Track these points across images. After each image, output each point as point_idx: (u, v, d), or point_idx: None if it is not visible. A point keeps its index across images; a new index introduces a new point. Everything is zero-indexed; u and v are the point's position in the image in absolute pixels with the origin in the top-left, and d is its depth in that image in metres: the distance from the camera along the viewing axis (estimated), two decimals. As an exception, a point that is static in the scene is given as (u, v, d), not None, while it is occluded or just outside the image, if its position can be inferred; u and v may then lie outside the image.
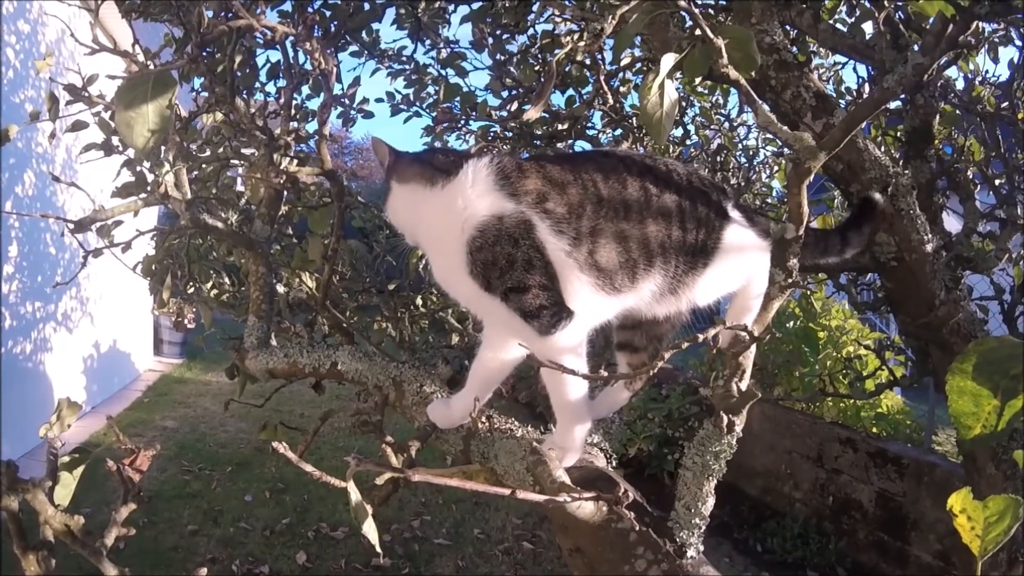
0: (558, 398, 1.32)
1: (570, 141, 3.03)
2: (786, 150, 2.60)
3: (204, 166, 2.81)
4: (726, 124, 3.83)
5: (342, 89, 2.76)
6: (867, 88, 2.81)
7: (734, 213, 1.41)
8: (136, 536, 0.93)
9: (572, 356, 1.27)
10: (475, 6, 2.80)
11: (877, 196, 1.67)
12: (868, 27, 2.33)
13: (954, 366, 0.76)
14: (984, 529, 0.73)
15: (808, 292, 5.30)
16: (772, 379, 6.02)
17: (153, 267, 3.05)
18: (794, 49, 2.33)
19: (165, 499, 5.22)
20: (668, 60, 1.13)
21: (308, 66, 2.05)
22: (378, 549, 0.76)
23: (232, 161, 2.76)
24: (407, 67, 3.21)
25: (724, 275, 1.38)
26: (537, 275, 1.24)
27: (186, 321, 8.36)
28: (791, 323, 6.10)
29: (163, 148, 1.88)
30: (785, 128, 1.16)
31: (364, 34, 2.84)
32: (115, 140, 2.63)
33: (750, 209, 1.65)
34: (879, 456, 4.94)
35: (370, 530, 0.74)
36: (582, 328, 1.28)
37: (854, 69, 2.96)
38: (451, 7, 2.97)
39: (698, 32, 1.10)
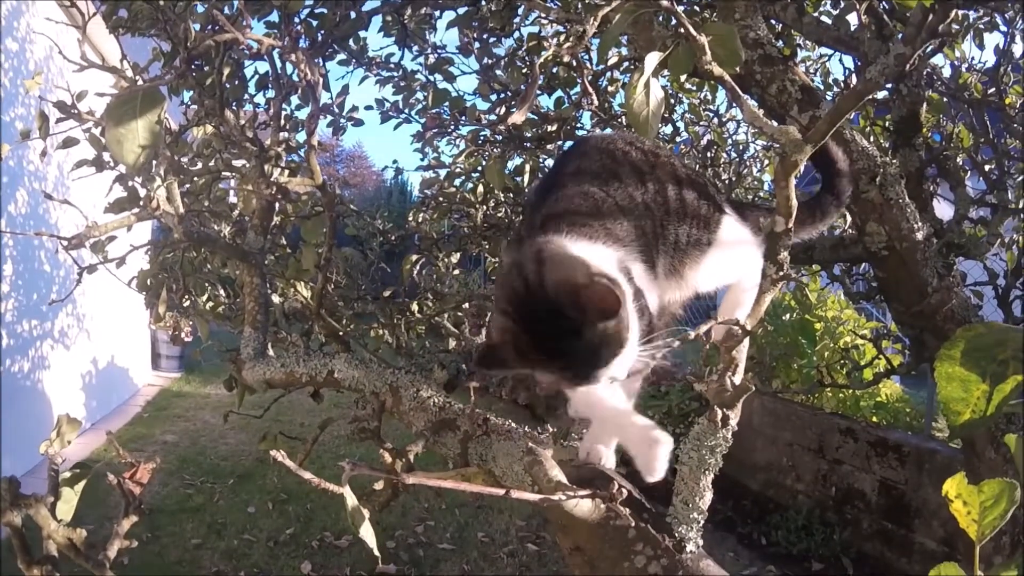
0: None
1: (560, 142, 3.04)
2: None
3: (196, 179, 2.81)
4: (715, 119, 3.84)
5: (331, 98, 2.77)
6: (854, 79, 2.82)
7: (728, 208, 1.44)
8: (140, 551, 0.94)
9: None
10: (461, 11, 2.81)
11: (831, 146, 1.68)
12: (853, 18, 2.34)
13: (942, 353, 0.76)
14: (980, 514, 0.74)
15: (803, 284, 5.32)
16: (770, 372, 6.03)
17: (148, 281, 3.05)
18: (779, 43, 2.34)
19: (168, 513, 5.21)
20: (652, 59, 1.13)
21: (296, 76, 2.06)
22: (376, 552, 0.77)
23: (224, 173, 2.76)
24: (395, 74, 3.22)
25: (721, 264, 1.40)
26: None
27: (183, 334, 8.34)
28: (787, 315, 6.11)
29: (154, 163, 1.88)
30: (771, 122, 1.17)
31: (351, 42, 2.84)
32: (106, 156, 2.63)
33: (742, 204, 1.68)
34: (880, 445, 4.96)
35: (367, 534, 0.75)
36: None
37: (840, 61, 2.99)
38: (437, 13, 2.97)
39: (682, 30, 1.11)
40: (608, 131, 3.01)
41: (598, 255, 1.18)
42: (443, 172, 3.52)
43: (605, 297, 1.05)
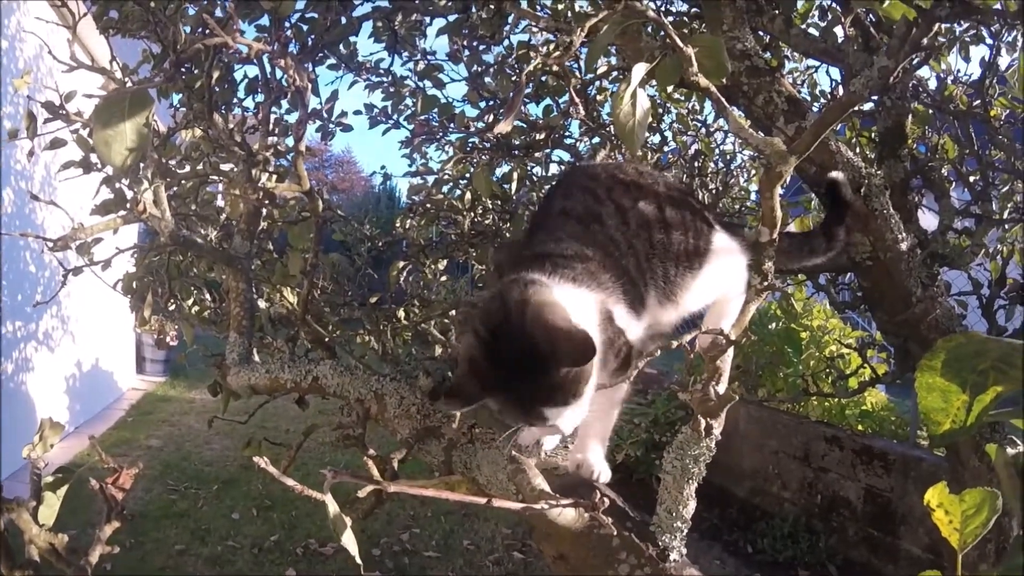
0: (609, 420, 1.40)
1: (547, 150, 3.05)
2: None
3: (183, 182, 2.80)
4: (703, 129, 3.85)
5: (320, 103, 2.77)
6: (840, 91, 2.85)
7: (716, 223, 1.47)
8: (123, 557, 0.94)
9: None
10: (451, 18, 2.81)
11: (837, 175, 1.72)
12: (840, 31, 2.36)
13: (922, 363, 0.77)
14: (962, 523, 0.74)
15: (788, 294, 5.34)
16: (756, 380, 6.05)
17: (134, 284, 3.03)
18: (767, 54, 2.35)
19: (151, 519, 5.17)
20: (639, 70, 1.14)
21: (285, 81, 2.06)
22: (358, 560, 0.76)
23: (211, 177, 2.75)
24: (385, 79, 3.21)
25: (712, 282, 1.42)
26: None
27: (168, 338, 8.30)
28: (773, 324, 6.13)
29: (141, 165, 1.88)
30: (757, 133, 1.18)
31: (341, 47, 2.83)
32: (94, 157, 2.62)
33: (726, 217, 1.71)
34: (865, 453, 4.98)
35: (349, 541, 0.75)
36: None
37: (827, 72, 3.01)
38: (427, 19, 2.98)
39: (669, 41, 1.12)
40: (598, 159, 3.00)
41: (580, 301, 1.23)
42: (431, 178, 3.52)
43: (579, 345, 1.10)
